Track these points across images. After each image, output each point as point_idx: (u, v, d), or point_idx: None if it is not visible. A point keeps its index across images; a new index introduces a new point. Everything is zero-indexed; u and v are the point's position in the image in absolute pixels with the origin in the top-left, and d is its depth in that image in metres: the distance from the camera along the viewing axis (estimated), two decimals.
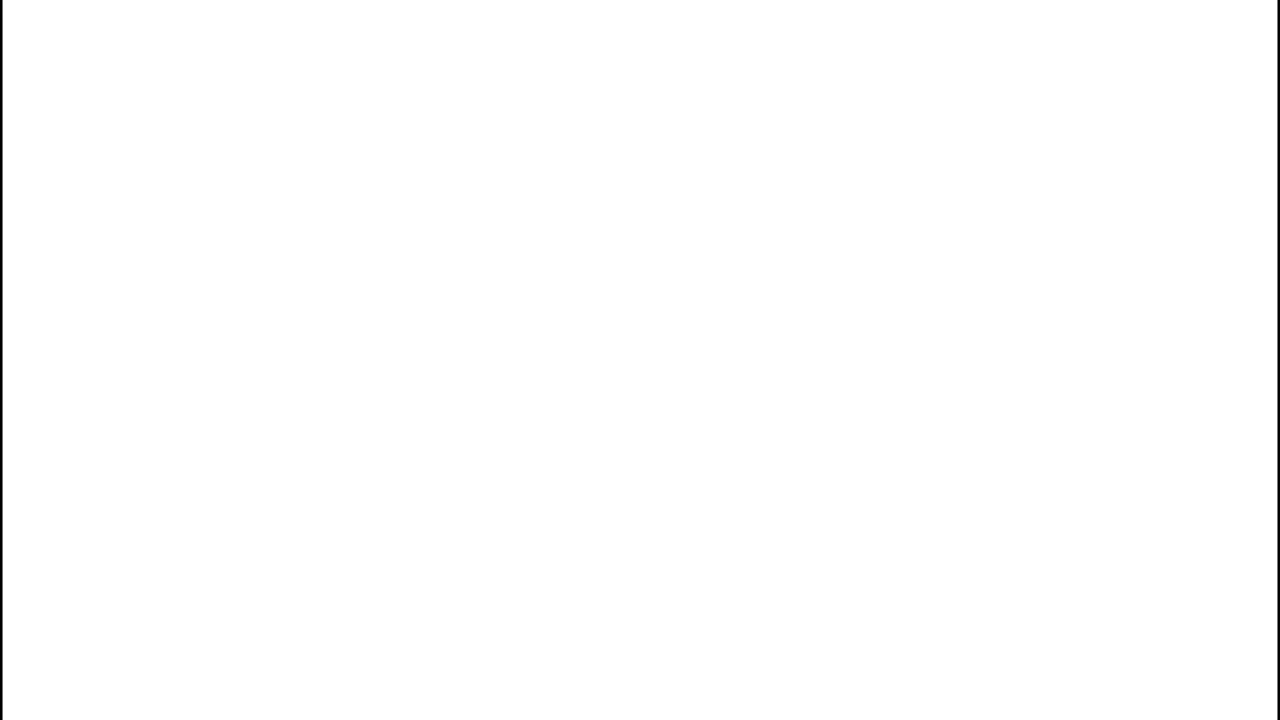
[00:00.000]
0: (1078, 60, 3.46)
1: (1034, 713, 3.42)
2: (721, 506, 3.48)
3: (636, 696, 3.47)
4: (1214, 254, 3.43)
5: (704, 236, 3.49)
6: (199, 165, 3.52)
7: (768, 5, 3.49)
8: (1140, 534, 3.42)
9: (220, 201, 3.51)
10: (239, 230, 3.51)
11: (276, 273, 3.51)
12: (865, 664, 3.45)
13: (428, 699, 3.48)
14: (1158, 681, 3.41)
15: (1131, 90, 3.45)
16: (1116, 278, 3.45)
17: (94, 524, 3.48)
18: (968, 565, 3.45)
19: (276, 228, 3.51)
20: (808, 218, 3.49)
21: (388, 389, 3.50)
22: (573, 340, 3.50)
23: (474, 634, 3.48)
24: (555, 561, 3.49)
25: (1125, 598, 3.42)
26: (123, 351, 3.49)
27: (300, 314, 3.50)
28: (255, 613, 3.49)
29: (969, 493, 3.45)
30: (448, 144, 3.51)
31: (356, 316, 3.50)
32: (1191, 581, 3.41)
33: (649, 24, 3.50)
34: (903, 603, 3.45)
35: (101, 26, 3.52)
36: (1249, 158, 3.42)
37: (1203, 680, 3.39)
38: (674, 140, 3.50)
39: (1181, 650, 3.40)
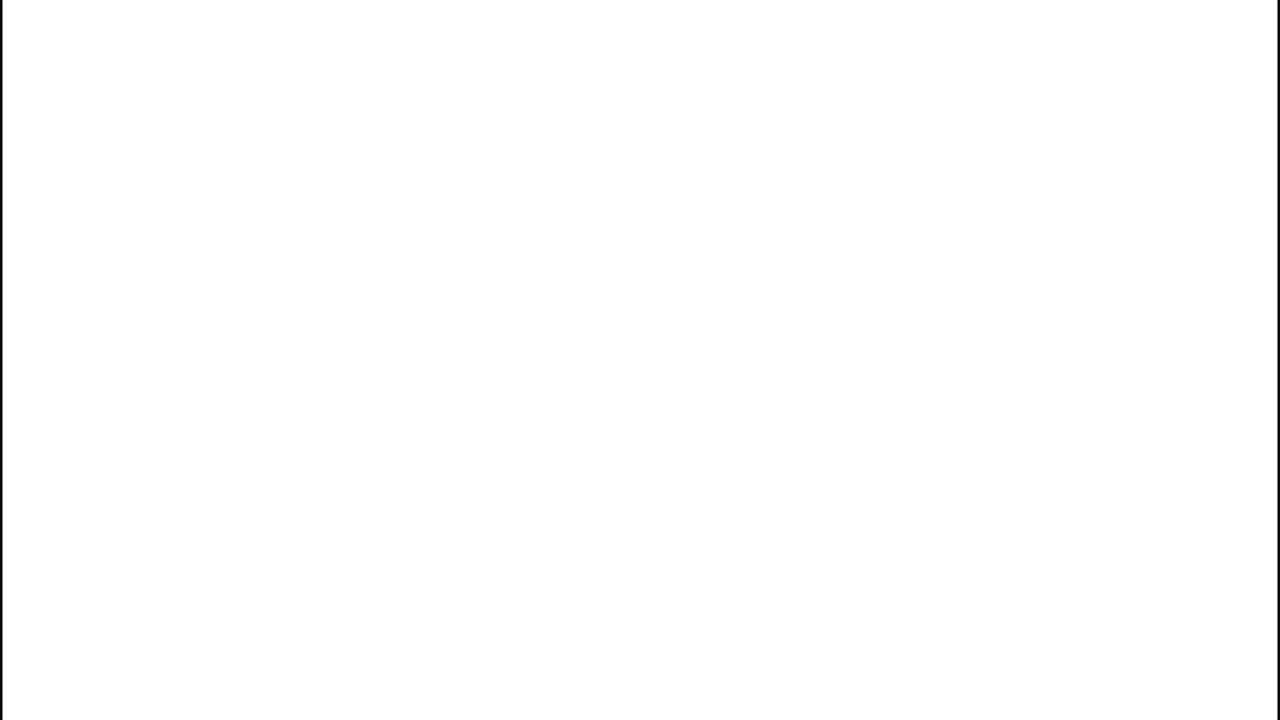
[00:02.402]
0: (1078, 60, 3.46)
1: (1034, 713, 3.42)
2: (721, 506, 3.48)
3: (636, 697, 3.47)
4: (1214, 254, 3.43)
5: (704, 237, 3.49)
6: (199, 165, 3.52)
7: (768, 5, 3.49)
8: (1140, 534, 3.43)
9: (220, 202, 3.52)
10: (239, 230, 3.51)
11: (277, 273, 3.51)
12: (865, 664, 3.45)
13: (428, 699, 3.48)
14: (1158, 682, 3.41)
15: (1132, 90, 3.46)
16: (1116, 278, 3.45)
17: (94, 524, 3.48)
18: (968, 565, 3.45)
19: (277, 228, 3.51)
20: (808, 218, 3.49)
21: (388, 389, 3.50)
22: (573, 340, 3.50)
23: (474, 634, 3.49)
24: (555, 561, 3.49)
25: (1125, 598, 3.43)
26: (123, 352, 3.49)
27: (300, 314, 3.50)
28: (255, 613, 3.49)
29: (969, 493, 3.45)
30: (448, 144, 3.52)
31: (357, 316, 3.51)
32: (1191, 582, 3.41)
33: (649, 24, 3.50)
34: (902, 603, 3.46)
35: (101, 26, 3.52)
36: (1249, 158, 3.42)
37: (1203, 680, 3.40)
38: (674, 140, 3.50)
39: (1181, 650, 3.40)
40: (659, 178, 3.50)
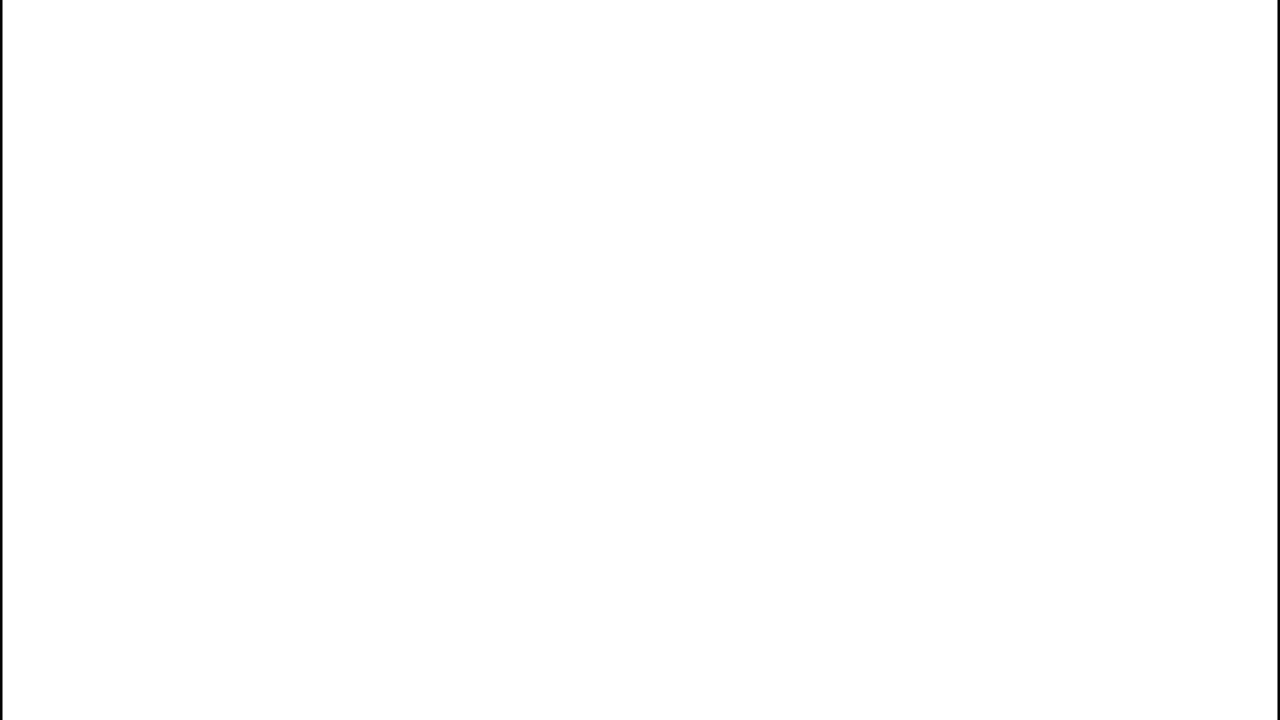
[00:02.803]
0: (1078, 60, 3.46)
1: (1034, 713, 3.42)
2: (721, 507, 3.48)
3: (636, 697, 3.47)
4: (1214, 254, 3.43)
5: (704, 237, 3.50)
6: (199, 165, 3.52)
7: (768, 5, 3.49)
8: (1140, 534, 3.43)
9: (220, 202, 3.52)
10: (239, 230, 3.51)
11: (277, 273, 3.51)
12: (865, 664, 3.45)
13: (428, 699, 3.48)
14: (1158, 682, 3.41)
15: (1132, 90, 3.46)
16: (1116, 278, 3.45)
17: (94, 524, 3.48)
18: (968, 565, 3.45)
19: (277, 228, 3.51)
20: (808, 218, 3.49)
21: (388, 389, 3.50)
22: (573, 340, 3.50)
23: (474, 634, 3.49)
24: (555, 562, 3.49)
25: (1125, 598, 3.43)
26: (123, 352, 3.49)
27: (300, 314, 3.50)
28: (255, 613, 3.49)
29: (969, 493, 3.45)
30: (447, 144, 3.52)
31: (357, 317, 3.51)
32: (1191, 582, 3.41)
33: (649, 24, 3.51)
34: (902, 603, 3.46)
35: (101, 26, 3.52)
36: (1249, 158, 3.42)
37: (1203, 680, 3.40)
38: (674, 140, 3.50)
39: (1181, 650, 3.41)
40: (659, 178, 3.50)
